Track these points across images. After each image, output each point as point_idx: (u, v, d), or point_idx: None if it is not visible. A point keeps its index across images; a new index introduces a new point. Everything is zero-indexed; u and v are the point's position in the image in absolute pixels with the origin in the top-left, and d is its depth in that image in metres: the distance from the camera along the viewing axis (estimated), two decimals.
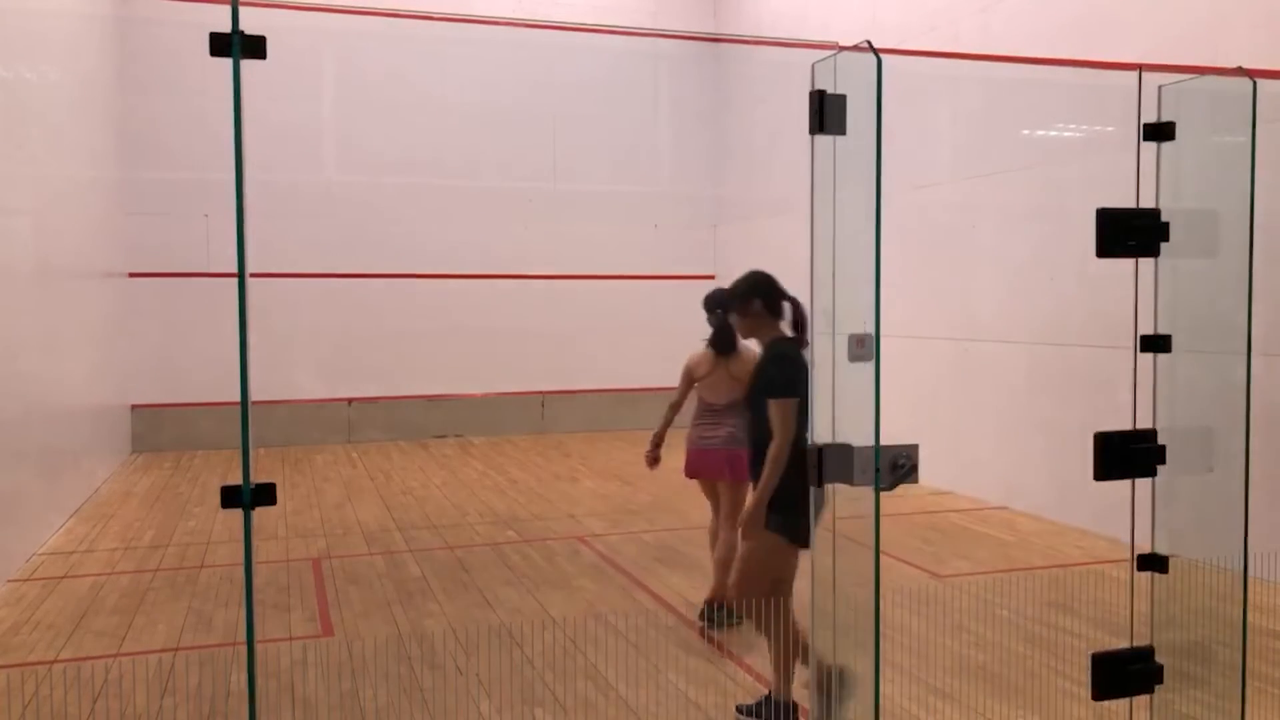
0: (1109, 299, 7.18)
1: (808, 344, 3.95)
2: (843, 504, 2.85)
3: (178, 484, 9.87)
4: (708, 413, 5.48)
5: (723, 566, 5.23)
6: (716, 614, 5.28)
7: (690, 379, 5.55)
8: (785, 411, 3.86)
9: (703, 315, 5.59)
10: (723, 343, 5.40)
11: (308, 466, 10.86)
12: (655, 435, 5.63)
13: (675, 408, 5.61)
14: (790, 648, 3.98)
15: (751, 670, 4.74)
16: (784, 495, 3.90)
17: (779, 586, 3.97)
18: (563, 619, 5.47)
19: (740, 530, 4.11)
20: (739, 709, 4.22)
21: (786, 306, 4.16)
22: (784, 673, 4.03)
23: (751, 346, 4.88)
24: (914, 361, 9.19)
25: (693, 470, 5.50)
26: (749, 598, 4.01)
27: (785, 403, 3.86)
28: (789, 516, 3.88)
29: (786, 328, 4.17)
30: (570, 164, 13.21)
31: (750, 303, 4.18)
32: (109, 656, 5.01)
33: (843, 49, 2.59)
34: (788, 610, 3.97)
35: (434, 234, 12.81)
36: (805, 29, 11.28)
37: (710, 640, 5.14)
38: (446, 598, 5.98)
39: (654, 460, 5.62)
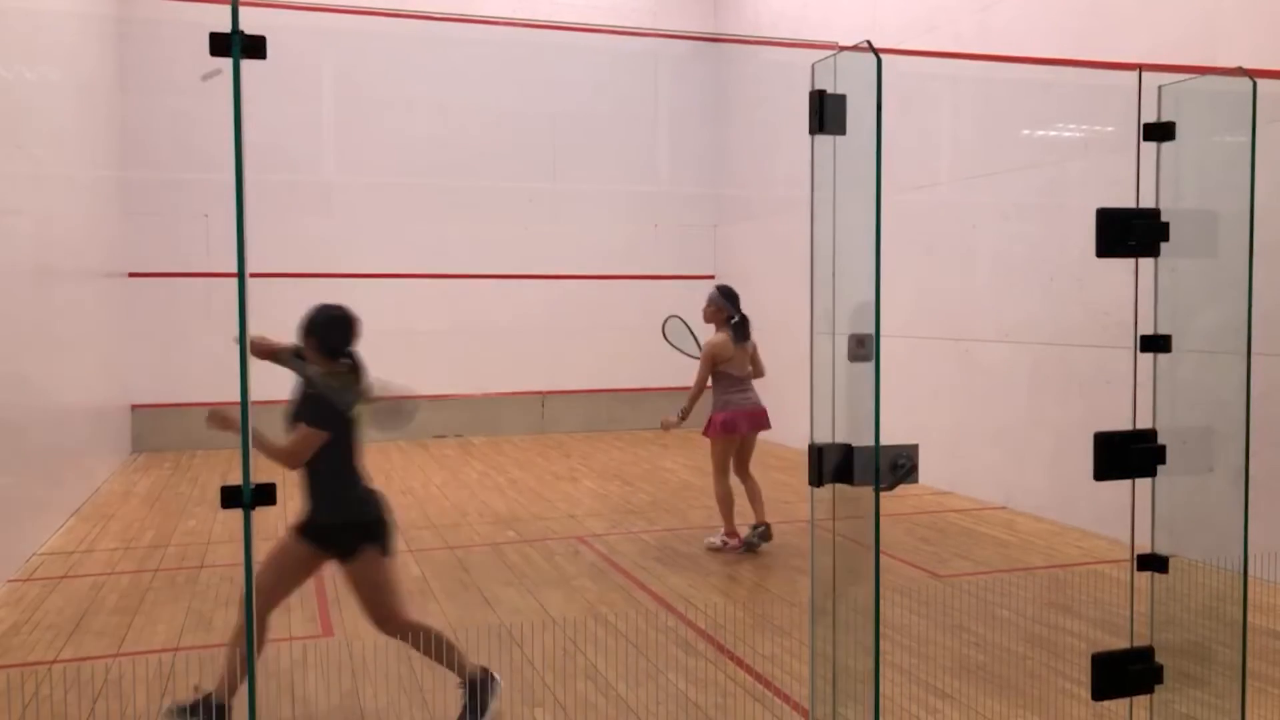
0: (1109, 299, 7.18)
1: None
2: (842, 504, 2.85)
3: (178, 484, 9.87)
4: (738, 383, 7.05)
5: (757, 497, 7.05)
6: (757, 536, 6.93)
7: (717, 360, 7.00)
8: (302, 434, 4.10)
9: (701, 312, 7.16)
10: (744, 331, 7.05)
11: None
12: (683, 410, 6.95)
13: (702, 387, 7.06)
14: (440, 642, 4.09)
15: (751, 670, 4.74)
16: (362, 516, 4.07)
17: (392, 594, 4.11)
18: (563, 619, 5.47)
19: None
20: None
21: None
22: (459, 664, 4.10)
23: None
24: (914, 361, 9.19)
25: (748, 426, 7.01)
26: (380, 613, 4.09)
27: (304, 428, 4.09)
28: (366, 534, 4.05)
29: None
30: (570, 164, 13.21)
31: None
32: (109, 656, 5.01)
33: (843, 49, 2.59)
34: (399, 611, 4.10)
35: (433, 234, 12.80)
36: (805, 29, 11.28)
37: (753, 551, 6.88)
38: (446, 598, 5.98)
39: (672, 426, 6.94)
